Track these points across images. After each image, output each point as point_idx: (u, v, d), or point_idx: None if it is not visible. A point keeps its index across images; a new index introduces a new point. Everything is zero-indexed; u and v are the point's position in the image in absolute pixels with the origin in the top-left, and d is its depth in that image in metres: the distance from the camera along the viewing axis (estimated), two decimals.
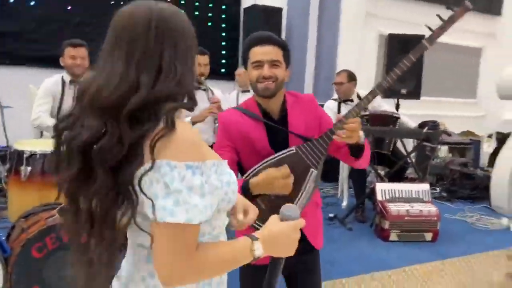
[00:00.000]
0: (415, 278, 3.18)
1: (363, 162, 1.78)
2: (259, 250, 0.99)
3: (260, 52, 1.63)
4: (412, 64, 1.82)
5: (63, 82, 3.34)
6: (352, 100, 4.63)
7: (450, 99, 8.38)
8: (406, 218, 3.57)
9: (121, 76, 0.90)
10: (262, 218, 1.39)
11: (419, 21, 7.19)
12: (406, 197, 3.76)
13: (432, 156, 5.97)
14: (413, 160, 5.64)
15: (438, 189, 5.31)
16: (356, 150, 1.70)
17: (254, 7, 6.12)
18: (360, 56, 6.76)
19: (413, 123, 4.74)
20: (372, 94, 1.75)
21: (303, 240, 1.59)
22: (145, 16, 0.94)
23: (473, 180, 5.26)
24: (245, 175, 1.65)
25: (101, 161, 0.88)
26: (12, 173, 2.75)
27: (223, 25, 6.49)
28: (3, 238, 2.23)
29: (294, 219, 1.05)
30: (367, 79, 6.12)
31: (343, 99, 4.61)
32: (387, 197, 3.73)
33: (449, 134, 6.31)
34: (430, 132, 4.05)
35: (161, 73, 0.92)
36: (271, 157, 1.65)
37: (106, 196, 0.90)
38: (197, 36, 1.03)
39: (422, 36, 5.76)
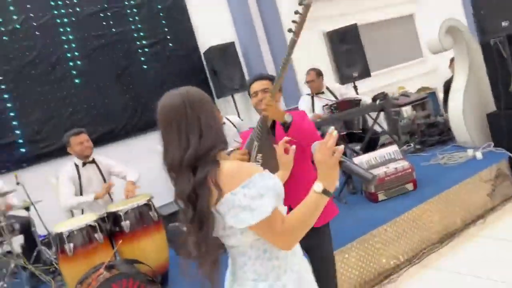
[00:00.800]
0: (407, 223, 3.43)
1: (299, 138, 1.91)
2: (318, 186, 1.25)
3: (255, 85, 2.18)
4: (289, 58, 1.92)
5: (77, 167, 3.63)
6: (323, 92, 5.00)
7: (402, 64, 8.67)
8: (386, 178, 3.83)
9: (177, 144, 1.26)
10: None
11: (352, 12, 7.62)
12: (382, 161, 4.02)
13: (399, 118, 6.25)
14: (385, 128, 5.94)
15: (412, 144, 5.55)
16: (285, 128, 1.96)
17: (210, 49, 6.43)
18: (313, 57, 7.04)
19: (369, 100, 5.03)
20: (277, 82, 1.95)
21: None
22: (180, 100, 1.29)
23: (437, 127, 5.51)
24: None
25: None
26: (59, 253, 3.02)
27: (191, 75, 6.80)
28: None
29: (317, 148, 1.28)
30: (324, 73, 6.39)
31: (316, 93, 4.99)
32: (366, 166, 3.99)
33: (407, 95, 6.62)
34: (382, 102, 4.33)
35: (203, 133, 1.26)
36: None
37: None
38: (170, 87, 1.40)
39: (354, 26, 6.16)
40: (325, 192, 1.25)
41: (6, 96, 5.44)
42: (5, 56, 5.43)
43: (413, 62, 8.71)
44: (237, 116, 6.03)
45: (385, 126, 6.53)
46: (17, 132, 5.48)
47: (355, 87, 6.05)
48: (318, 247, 2.01)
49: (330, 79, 6.24)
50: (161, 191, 3.37)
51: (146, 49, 6.45)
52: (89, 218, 3.10)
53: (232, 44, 6.56)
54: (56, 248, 3.06)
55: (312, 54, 6.75)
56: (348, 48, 5.98)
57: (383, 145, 5.95)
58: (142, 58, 6.40)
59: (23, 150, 5.47)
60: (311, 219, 1.27)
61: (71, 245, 2.92)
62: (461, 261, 3.18)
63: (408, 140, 5.77)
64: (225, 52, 6.47)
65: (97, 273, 2.44)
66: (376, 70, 7.63)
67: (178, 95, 1.30)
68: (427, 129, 5.60)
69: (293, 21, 1.79)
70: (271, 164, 1.79)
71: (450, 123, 5.04)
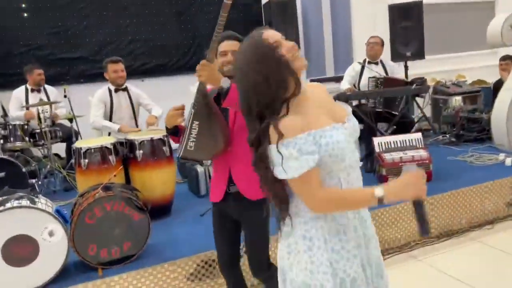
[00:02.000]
0: (405, 212, 3.26)
1: (235, 106, 1.62)
2: (379, 191, 1.19)
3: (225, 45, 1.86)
4: (223, 23, 1.68)
5: (110, 91, 3.75)
6: (377, 63, 4.76)
7: (467, 53, 7.92)
8: (400, 164, 3.61)
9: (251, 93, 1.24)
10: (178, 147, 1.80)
11: None
12: (401, 147, 3.78)
13: (444, 107, 5.81)
14: (429, 114, 5.58)
15: (448, 136, 5.18)
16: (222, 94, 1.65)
17: (270, 2, 6.20)
18: (373, 29, 6.59)
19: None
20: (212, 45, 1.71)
21: (241, 194, 1.80)
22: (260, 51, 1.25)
23: (479, 124, 5.07)
24: None
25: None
26: (76, 166, 3.21)
27: (247, 23, 6.64)
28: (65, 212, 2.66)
29: (412, 171, 1.22)
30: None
31: (369, 61, 4.73)
32: (383, 148, 3.78)
33: (459, 85, 6.11)
34: (417, 87, 4.01)
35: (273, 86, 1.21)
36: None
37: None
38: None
39: (419, 2, 5.65)
40: (379, 200, 1.20)
41: (82, 14, 5.66)
42: None
43: (480, 52, 7.91)
44: None
45: (429, 112, 6.18)
46: (81, 49, 5.73)
47: (406, 67, 5.64)
48: (250, 220, 1.89)
49: (385, 55, 5.83)
50: None
51: None
52: (107, 140, 3.23)
53: (292, 2, 6.27)
54: (74, 161, 3.24)
55: (373, 25, 6.32)
56: (407, 25, 5.53)
57: (420, 130, 5.65)
58: (204, 0, 6.30)
59: (82, 67, 5.74)
60: (347, 207, 1.26)
61: (86, 161, 3.08)
62: (450, 261, 3.00)
63: (446, 130, 5.39)
64: (284, 8, 6.20)
65: (95, 191, 2.56)
66: (435, 54, 7.06)
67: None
68: (468, 123, 5.17)
69: None
70: (207, 133, 1.72)
71: (491, 122, 4.60)
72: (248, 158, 1.45)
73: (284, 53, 1.24)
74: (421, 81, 4.04)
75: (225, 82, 1.66)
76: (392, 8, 5.60)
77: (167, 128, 1.86)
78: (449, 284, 2.73)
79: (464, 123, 5.23)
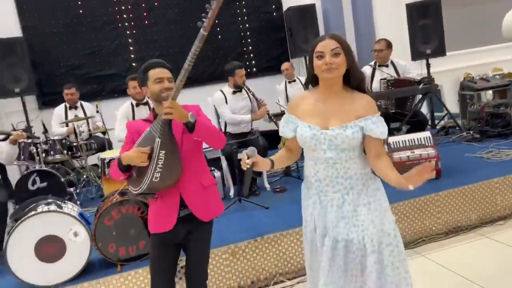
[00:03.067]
0: (411, 209, 3.38)
1: (203, 136, 1.98)
2: (403, 184, 1.71)
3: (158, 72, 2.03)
4: (197, 53, 1.86)
5: (132, 106, 4.17)
6: (387, 66, 5.02)
7: (493, 46, 7.69)
8: (407, 162, 3.73)
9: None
10: (132, 183, 1.99)
11: None
12: (409, 145, 3.89)
13: (470, 103, 5.76)
14: (457, 111, 5.58)
15: (471, 132, 5.16)
16: (190, 127, 1.91)
17: (290, 8, 6.46)
18: (398, 29, 6.62)
19: None
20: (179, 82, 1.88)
21: (192, 216, 2.04)
22: None
23: (503, 119, 5.01)
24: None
25: None
26: (102, 174, 3.64)
27: (270, 29, 6.94)
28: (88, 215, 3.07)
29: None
30: (403, 47, 6.05)
31: (379, 64, 5.02)
32: (393, 147, 3.91)
33: (487, 80, 6.01)
34: (424, 87, 4.10)
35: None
36: (142, 136, 1.99)
37: None
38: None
39: (438, 1, 5.67)
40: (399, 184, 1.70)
41: (114, 34, 6.24)
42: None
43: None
44: (303, 77, 6.16)
45: (457, 109, 6.14)
46: (114, 67, 6.29)
47: (428, 65, 5.67)
48: (199, 239, 2.09)
49: (405, 54, 5.89)
50: None
51: (231, 3, 6.67)
52: None
53: (312, 6, 6.49)
54: (100, 170, 3.67)
55: (398, 25, 6.38)
56: (426, 23, 5.57)
57: (444, 128, 5.66)
58: (226, 12, 6.67)
59: (116, 83, 6.28)
60: (387, 178, 1.74)
61: (109, 170, 3.49)
62: (455, 257, 3.09)
63: (471, 126, 5.35)
64: (304, 13, 6.45)
65: (113, 196, 2.94)
66: (466, 48, 6.98)
67: None
68: (492, 119, 5.11)
69: (203, 15, 1.76)
70: (172, 160, 1.89)
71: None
72: (196, 179, 1.82)
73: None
74: (429, 80, 4.12)
75: (192, 117, 1.88)
76: (410, 7, 5.66)
77: (120, 163, 1.95)
78: (452, 279, 2.82)
79: (488, 118, 5.18)
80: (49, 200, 2.89)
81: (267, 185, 4.32)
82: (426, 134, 3.93)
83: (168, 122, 1.91)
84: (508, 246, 3.14)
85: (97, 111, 5.13)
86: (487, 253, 3.11)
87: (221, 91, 4.30)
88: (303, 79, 5.82)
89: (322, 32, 6.72)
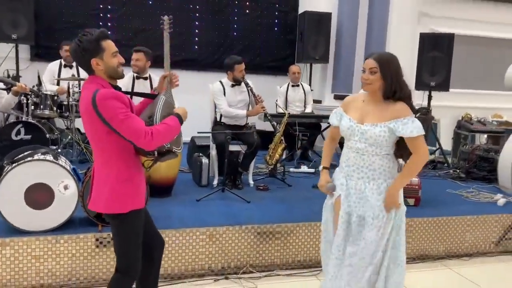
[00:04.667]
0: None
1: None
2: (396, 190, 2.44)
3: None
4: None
5: (133, 78, 4.54)
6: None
7: (498, 92, 8.27)
8: None
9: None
10: (174, 143, 2.28)
11: (474, 19, 7.45)
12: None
13: (463, 142, 6.28)
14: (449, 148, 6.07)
15: (458, 171, 5.66)
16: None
17: (305, 13, 6.88)
18: (409, 54, 7.08)
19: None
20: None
21: None
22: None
23: (491, 164, 5.52)
24: (155, 119, 2.15)
25: None
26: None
27: (282, 29, 7.36)
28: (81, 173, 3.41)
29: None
30: (409, 75, 6.46)
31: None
32: None
33: (484, 123, 6.56)
34: (421, 117, 4.54)
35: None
36: (157, 105, 2.23)
37: None
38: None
39: (451, 35, 6.19)
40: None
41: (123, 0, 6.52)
42: None
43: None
44: (308, 85, 6.60)
45: (450, 146, 6.66)
46: (116, 33, 6.59)
47: (430, 97, 6.15)
48: (114, 235, 2.25)
49: (410, 82, 6.33)
50: (198, 123, 4.18)
51: None
52: None
53: (328, 15, 6.92)
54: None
55: (403, 50, 6.83)
56: (436, 56, 6.05)
57: (433, 162, 6.15)
58: (242, 2, 7.05)
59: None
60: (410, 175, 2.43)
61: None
62: (417, 281, 3.51)
63: (459, 165, 5.86)
64: (318, 20, 6.86)
65: None
66: (474, 88, 7.53)
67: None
68: (480, 162, 5.62)
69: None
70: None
71: (498, 163, 5.07)
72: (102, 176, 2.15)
73: None
74: (426, 111, 4.58)
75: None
76: (423, 36, 6.15)
77: (181, 120, 2.19)
78: None
79: (477, 160, 5.69)
80: (46, 150, 3.21)
81: (251, 182, 4.72)
82: (401, 161, 4.37)
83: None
84: (469, 280, 3.59)
85: None
86: (448, 284, 3.56)
87: (221, 82, 4.69)
88: (306, 86, 6.31)
89: (332, 42, 7.15)
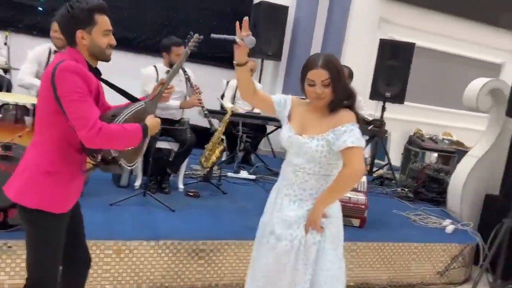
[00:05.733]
0: None
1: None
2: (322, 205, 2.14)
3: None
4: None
5: (50, 51, 3.92)
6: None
7: (465, 111, 8.31)
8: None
9: None
10: (128, 156, 2.00)
11: (435, 32, 7.38)
12: None
13: (413, 160, 6.14)
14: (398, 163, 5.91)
15: (406, 190, 5.49)
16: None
17: (261, 3, 6.49)
18: (365, 58, 6.89)
19: None
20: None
21: None
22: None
23: (440, 186, 5.40)
24: (117, 119, 1.89)
25: None
26: None
27: (233, 18, 6.92)
28: None
29: None
30: (364, 82, 6.29)
31: None
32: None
33: (435, 142, 6.46)
34: (374, 129, 4.31)
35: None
36: (130, 108, 2.00)
37: None
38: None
39: (411, 44, 5.99)
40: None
41: None
42: None
43: (476, 114, 8.34)
44: (258, 82, 6.21)
45: (398, 162, 6.52)
46: None
47: (383, 108, 5.96)
48: (24, 226, 1.96)
49: (365, 90, 6.15)
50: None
51: None
52: (29, 100, 3.37)
53: (285, 9, 6.58)
54: None
55: (360, 55, 6.66)
56: (394, 65, 5.86)
57: (381, 177, 5.96)
58: None
59: (38, 18, 5.86)
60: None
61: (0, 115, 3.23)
62: None
63: (407, 184, 5.71)
64: (274, 13, 6.50)
65: None
66: (423, 103, 7.49)
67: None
68: (430, 182, 5.49)
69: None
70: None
71: (449, 185, 4.93)
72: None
73: None
74: (380, 123, 4.33)
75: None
76: (383, 43, 5.94)
77: (146, 132, 1.98)
78: None
79: (426, 181, 5.55)
80: None
81: (181, 186, 4.26)
82: (363, 179, 4.11)
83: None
84: None
85: (5, 43, 4.74)
86: None
87: (155, 67, 4.23)
88: (257, 84, 5.86)
89: (288, 39, 6.83)
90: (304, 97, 2.15)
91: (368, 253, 3.66)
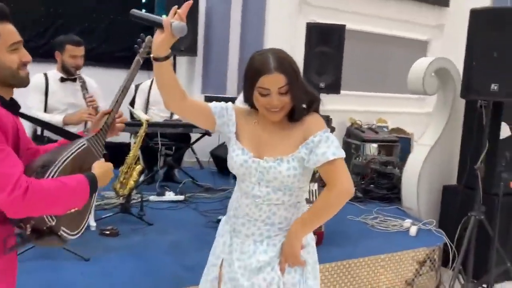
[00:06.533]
0: None
1: None
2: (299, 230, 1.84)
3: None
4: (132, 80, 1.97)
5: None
6: None
7: (396, 94, 8.40)
8: None
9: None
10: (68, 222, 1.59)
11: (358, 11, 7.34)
12: None
13: (355, 154, 5.98)
14: None
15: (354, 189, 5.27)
16: None
17: None
18: (290, 46, 6.64)
19: None
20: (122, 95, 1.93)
21: None
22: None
23: (390, 180, 5.26)
24: (50, 171, 1.50)
25: None
26: None
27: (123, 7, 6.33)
28: None
29: None
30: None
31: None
32: None
33: (376, 131, 6.37)
34: None
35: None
36: (67, 150, 1.59)
37: None
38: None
39: (341, 27, 5.80)
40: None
41: None
42: None
43: (406, 96, 8.43)
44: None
45: None
46: None
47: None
48: None
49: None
50: None
51: None
52: None
53: None
54: None
55: (285, 43, 6.38)
56: (325, 51, 5.61)
57: (322, 179, 5.72)
58: None
59: None
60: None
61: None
62: None
63: (356, 182, 5.51)
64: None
65: None
66: (353, 90, 7.41)
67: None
68: (378, 178, 5.34)
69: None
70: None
71: (402, 180, 4.77)
72: None
73: None
74: (326, 119, 4.02)
75: None
76: (310, 28, 5.68)
77: (93, 184, 1.61)
78: None
79: (374, 176, 5.39)
80: None
81: (93, 223, 3.64)
82: (314, 186, 3.78)
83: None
84: None
85: None
86: None
87: (45, 74, 3.67)
88: None
89: (201, 32, 6.38)
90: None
91: (333, 274, 3.35)
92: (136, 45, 1.98)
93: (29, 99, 3.51)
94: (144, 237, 3.56)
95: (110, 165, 1.71)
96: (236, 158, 1.76)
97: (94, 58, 5.30)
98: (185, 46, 6.09)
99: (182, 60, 6.44)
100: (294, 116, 1.75)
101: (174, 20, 1.57)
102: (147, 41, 1.97)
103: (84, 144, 1.68)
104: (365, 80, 8.03)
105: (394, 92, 8.28)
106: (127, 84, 1.93)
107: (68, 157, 1.57)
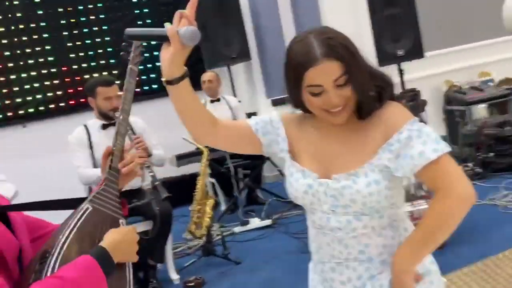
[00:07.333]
0: None
1: None
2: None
3: None
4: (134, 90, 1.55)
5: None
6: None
7: (492, 40, 7.66)
8: None
9: None
10: None
11: None
12: None
13: (462, 122, 5.43)
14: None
15: (470, 165, 4.74)
16: None
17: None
18: (353, 17, 6.22)
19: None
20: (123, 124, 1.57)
21: None
22: None
23: None
24: (47, 265, 1.27)
25: None
26: None
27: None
28: None
29: None
30: (363, 48, 5.59)
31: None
32: None
33: (480, 89, 5.76)
34: (410, 104, 3.58)
35: None
36: (67, 225, 1.36)
37: None
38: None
39: None
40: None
41: None
42: None
43: (505, 38, 7.64)
44: (233, 97, 5.78)
45: (443, 130, 5.81)
46: None
47: (401, 71, 5.23)
48: None
49: (370, 57, 5.44)
50: None
51: None
52: None
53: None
54: None
55: (345, 16, 5.97)
56: (394, 13, 5.17)
57: None
58: None
59: None
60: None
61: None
62: None
63: (469, 157, 4.97)
64: (223, 4, 5.85)
65: None
66: (439, 49, 6.83)
67: None
68: (497, 144, 4.78)
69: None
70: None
71: None
72: None
73: None
74: (414, 95, 3.60)
75: None
76: None
77: (107, 262, 1.35)
78: None
79: (491, 143, 4.85)
80: None
81: (174, 276, 3.48)
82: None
83: None
84: None
85: None
86: None
87: (85, 126, 3.56)
88: (231, 100, 5.48)
89: (250, 32, 6.18)
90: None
91: (468, 282, 2.91)
92: (122, 52, 1.55)
93: (74, 158, 3.43)
94: (233, 281, 3.35)
95: (131, 229, 1.42)
96: (297, 184, 1.45)
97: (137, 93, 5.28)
98: (236, 52, 5.94)
99: (237, 68, 6.30)
100: (362, 111, 1.41)
101: (181, 29, 1.27)
102: (135, 43, 1.53)
103: (87, 209, 1.42)
104: (449, 33, 7.38)
105: (488, 38, 7.56)
106: (125, 107, 1.55)
107: (68, 235, 1.32)
